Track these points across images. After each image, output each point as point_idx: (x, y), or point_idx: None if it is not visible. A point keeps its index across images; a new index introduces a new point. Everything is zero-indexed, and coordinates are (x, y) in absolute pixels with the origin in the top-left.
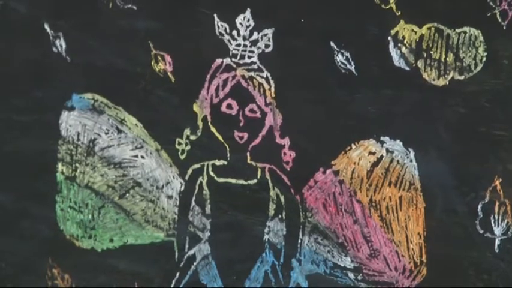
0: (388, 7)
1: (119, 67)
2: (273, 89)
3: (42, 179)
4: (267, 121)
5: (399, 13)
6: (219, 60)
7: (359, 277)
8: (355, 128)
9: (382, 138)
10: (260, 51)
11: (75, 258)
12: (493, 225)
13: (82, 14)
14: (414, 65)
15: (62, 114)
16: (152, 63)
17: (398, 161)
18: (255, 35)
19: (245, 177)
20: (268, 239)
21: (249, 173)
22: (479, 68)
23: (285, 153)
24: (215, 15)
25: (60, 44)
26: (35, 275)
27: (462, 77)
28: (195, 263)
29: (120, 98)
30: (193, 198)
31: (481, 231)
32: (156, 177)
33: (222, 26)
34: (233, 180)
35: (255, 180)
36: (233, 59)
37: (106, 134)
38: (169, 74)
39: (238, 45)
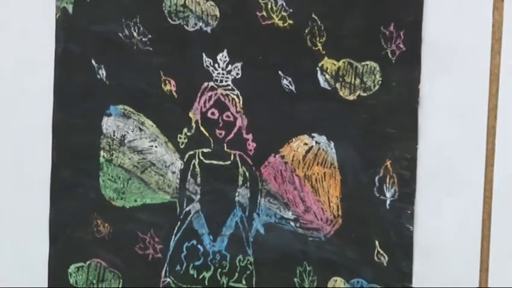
0: (316, 48)
1: (140, 88)
2: (241, 102)
3: (91, 161)
4: (237, 123)
5: (324, 52)
6: (206, 84)
7: (297, 225)
8: (295, 128)
9: (312, 134)
10: (233, 77)
11: (112, 213)
12: (385, 191)
13: (116, 53)
14: (334, 86)
15: (104, 118)
16: (162, 85)
17: (323, 149)
18: (230, 67)
19: (223, 160)
20: (238, 200)
21: (225, 157)
22: (376, 88)
23: (249, 144)
24: (203, 54)
25: (102, 72)
26: (85, 225)
27: (365, 94)
28: (190, 216)
29: (141, 108)
30: (189, 173)
31: (377, 195)
32: (165, 160)
33: (207, 60)
34: (215, 162)
35: (229, 162)
36: (215, 83)
37: (132, 131)
38: (173, 92)
39: (219, 73)
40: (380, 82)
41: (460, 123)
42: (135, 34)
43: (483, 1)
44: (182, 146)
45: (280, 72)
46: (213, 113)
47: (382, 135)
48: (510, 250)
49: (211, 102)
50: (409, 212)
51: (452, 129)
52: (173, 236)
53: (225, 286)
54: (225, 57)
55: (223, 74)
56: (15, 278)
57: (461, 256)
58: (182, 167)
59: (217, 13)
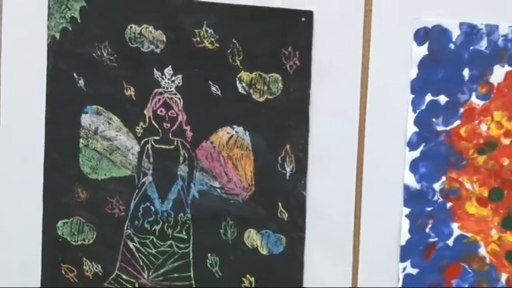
0: (236, 64)
1: (109, 93)
2: (181, 103)
3: (73, 146)
4: (179, 118)
5: (241, 67)
6: (156, 90)
7: (222, 191)
8: (220, 121)
9: (233, 126)
10: (175, 85)
11: (88, 183)
12: (285, 167)
13: (91, 68)
14: (248, 92)
15: (82, 115)
16: (124, 91)
17: (240, 136)
18: (173, 78)
19: (168, 145)
20: (180, 174)
21: (170, 143)
22: (279, 92)
23: (187, 134)
24: (154, 68)
25: (81, 82)
26: (69, 192)
27: (271, 97)
28: (144, 185)
29: (109, 107)
30: (144, 154)
31: (280, 170)
32: (127, 145)
33: (157, 73)
34: (163, 146)
35: (173, 146)
36: (163, 89)
37: (103, 124)
38: (133, 96)
39: (165, 82)
40: (281, 88)
41: (339, 118)
42: (105, 54)
43: (355, 32)
44: (139, 135)
45: (210, 81)
46: (161, 111)
47: (283, 127)
48: (375, 210)
49: (160, 103)
50: (302, 182)
51: (333, 122)
52: (132, 200)
53: (170, 236)
54: (170, 70)
55: (168, 83)
56: (10, 232)
57: (339, 213)
58: (139, 150)
59: (164, 39)
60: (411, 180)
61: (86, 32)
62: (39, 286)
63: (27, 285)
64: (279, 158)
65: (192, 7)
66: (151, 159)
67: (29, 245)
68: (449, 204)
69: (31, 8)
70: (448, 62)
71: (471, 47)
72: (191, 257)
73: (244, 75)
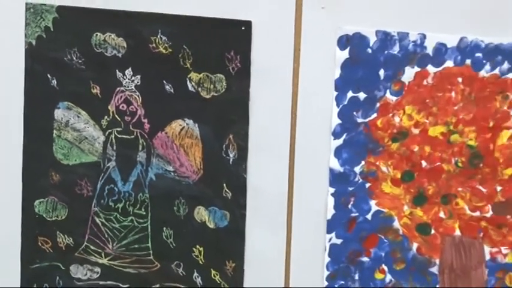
0: (186, 66)
1: (78, 91)
2: (140, 100)
3: (48, 136)
4: (138, 113)
5: (191, 68)
6: (118, 88)
7: (175, 174)
8: (174, 115)
9: (184, 119)
10: (135, 84)
11: (61, 168)
12: (229, 153)
13: (63, 70)
14: (197, 90)
15: (55, 110)
16: (91, 90)
17: (191, 128)
18: (133, 78)
19: (129, 135)
20: (139, 160)
21: (131, 133)
22: (223, 90)
23: (145, 126)
24: (117, 70)
25: (54, 82)
26: (45, 175)
27: (217, 94)
28: (109, 170)
29: (78, 104)
30: (108, 143)
31: (225, 156)
32: (93, 135)
33: (119, 74)
34: (124, 136)
35: (133, 136)
36: (124, 88)
37: (73, 118)
38: (98, 94)
39: (126, 82)
40: (225, 87)
41: (274, 112)
42: (74, 58)
43: (287, 39)
44: (104, 127)
45: (164, 81)
46: (123, 106)
47: (227, 119)
48: (305, 190)
49: (122, 99)
50: (243, 166)
51: (269, 115)
52: (99, 182)
53: (131, 213)
54: (130, 72)
55: (129, 82)
56: None
57: (275, 192)
58: (104, 139)
59: (125, 45)
60: (335, 164)
61: (58, 39)
62: (19, 255)
63: (9, 254)
64: (224, 146)
65: (149, 18)
66: (114, 147)
67: (10, 220)
68: (368, 185)
69: (10, 18)
70: (366, 64)
71: (386, 51)
72: (149, 230)
73: (194, 75)
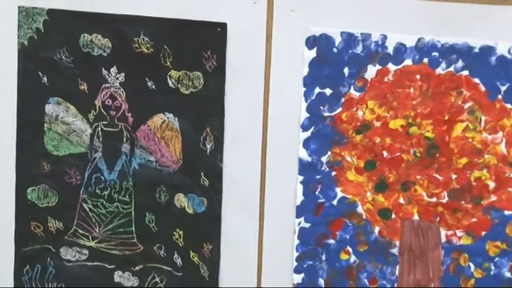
0: (167, 65)
1: (67, 88)
2: (124, 95)
3: (39, 129)
4: (122, 107)
5: (171, 66)
6: (104, 85)
7: (157, 164)
8: (155, 109)
9: (165, 113)
10: (119, 81)
11: (52, 159)
12: (206, 145)
13: (53, 68)
14: (177, 86)
15: (46, 105)
16: (79, 86)
17: (171, 121)
18: (118, 75)
19: (114, 128)
20: (124, 151)
21: (116, 126)
22: (201, 87)
23: (129, 119)
24: (103, 68)
25: (45, 79)
26: (37, 166)
27: (195, 90)
28: (96, 160)
29: (67, 99)
30: (95, 136)
31: (202, 147)
32: (81, 128)
33: (105, 72)
34: (110, 129)
35: (118, 129)
36: (109, 84)
37: (62, 112)
38: (86, 90)
39: (112, 79)
40: (203, 84)
41: (248, 107)
42: (63, 57)
43: (260, 39)
44: (91, 120)
45: (146, 78)
46: (108, 102)
47: (205, 113)
48: (276, 178)
49: (107, 95)
50: (220, 156)
51: (243, 110)
52: (86, 171)
53: (116, 199)
54: (115, 70)
55: (114, 79)
56: None
57: (249, 180)
58: (91, 132)
59: (110, 45)
60: (304, 155)
61: (48, 39)
62: (13, 238)
63: (4, 238)
64: (201, 138)
65: (132, 20)
66: (101, 139)
67: (4, 207)
68: (333, 173)
69: (4, 21)
70: (332, 63)
71: (350, 51)
72: (133, 215)
73: (174, 73)
